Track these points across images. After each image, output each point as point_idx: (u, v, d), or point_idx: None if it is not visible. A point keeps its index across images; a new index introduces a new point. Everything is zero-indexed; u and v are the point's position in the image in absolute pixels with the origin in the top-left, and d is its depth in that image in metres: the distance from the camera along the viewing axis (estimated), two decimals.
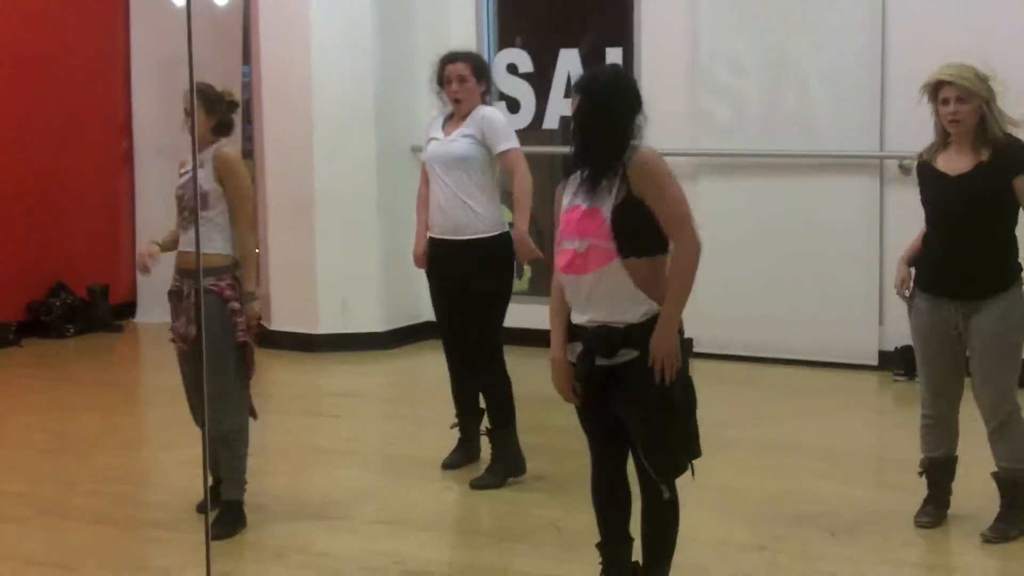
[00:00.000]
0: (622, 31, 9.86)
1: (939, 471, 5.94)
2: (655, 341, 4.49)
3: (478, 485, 6.63)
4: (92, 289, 11.18)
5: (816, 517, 6.00)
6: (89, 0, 11.31)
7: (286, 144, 10.12)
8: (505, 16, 10.39)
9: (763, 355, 9.26)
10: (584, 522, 5.97)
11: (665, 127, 9.43)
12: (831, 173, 9.22)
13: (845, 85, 9.08)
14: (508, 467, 6.73)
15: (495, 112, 6.87)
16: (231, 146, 6.20)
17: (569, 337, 4.71)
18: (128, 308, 11.61)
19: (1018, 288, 5.69)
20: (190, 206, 5.94)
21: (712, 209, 9.37)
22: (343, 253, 10.02)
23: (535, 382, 7.60)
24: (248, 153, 10.92)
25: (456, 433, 7.05)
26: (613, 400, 4.64)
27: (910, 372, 8.64)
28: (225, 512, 5.99)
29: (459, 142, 6.69)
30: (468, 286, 6.72)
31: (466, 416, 7.04)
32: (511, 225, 6.78)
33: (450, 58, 6.86)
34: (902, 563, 5.48)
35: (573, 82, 4.88)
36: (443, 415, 7.19)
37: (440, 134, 6.81)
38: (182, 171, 6.20)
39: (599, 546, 4.97)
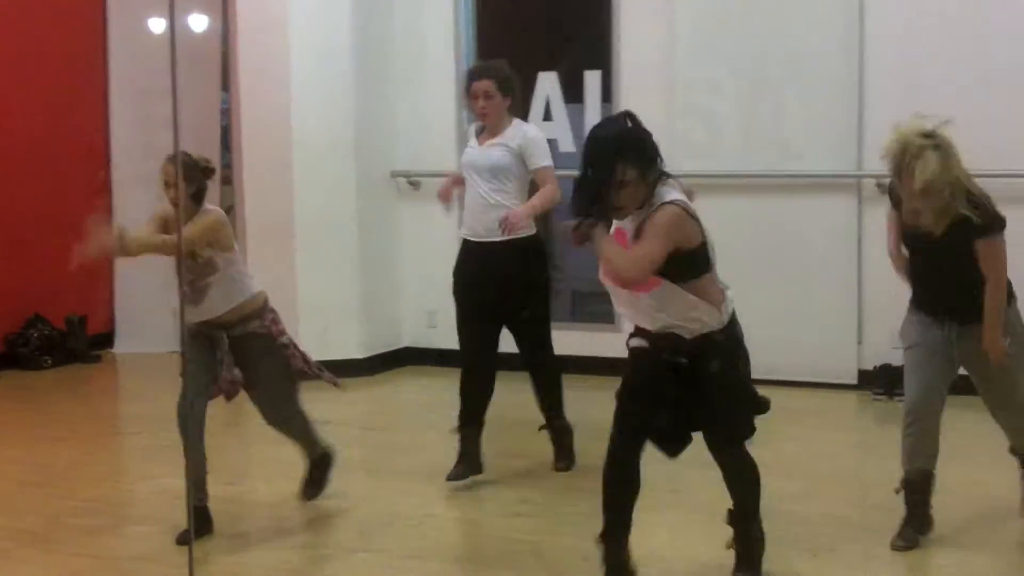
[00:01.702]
0: (601, 54, 9.88)
1: (918, 486, 5.92)
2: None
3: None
4: (70, 320, 11.13)
5: (797, 537, 5.98)
6: (66, 28, 11.27)
7: (265, 170, 10.10)
8: (484, 40, 10.39)
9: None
10: (567, 546, 5.99)
11: None
12: (809, 193, 9.24)
13: (822, 105, 9.11)
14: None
15: (536, 130, 7.23)
16: (209, 207, 6.30)
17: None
18: (106, 338, 11.56)
19: (1012, 307, 5.81)
20: (193, 273, 6.14)
21: None
22: (322, 279, 10.01)
23: (517, 407, 7.61)
24: (227, 179, 10.90)
25: (449, 447, 7.12)
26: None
27: (889, 391, 8.67)
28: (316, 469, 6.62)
29: (495, 151, 6.98)
30: (506, 283, 6.98)
31: (470, 428, 7.13)
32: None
33: (475, 74, 7.12)
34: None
35: (604, 149, 5.03)
36: (423, 440, 7.18)
37: (475, 143, 7.12)
38: None
39: (605, 535, 5.32)
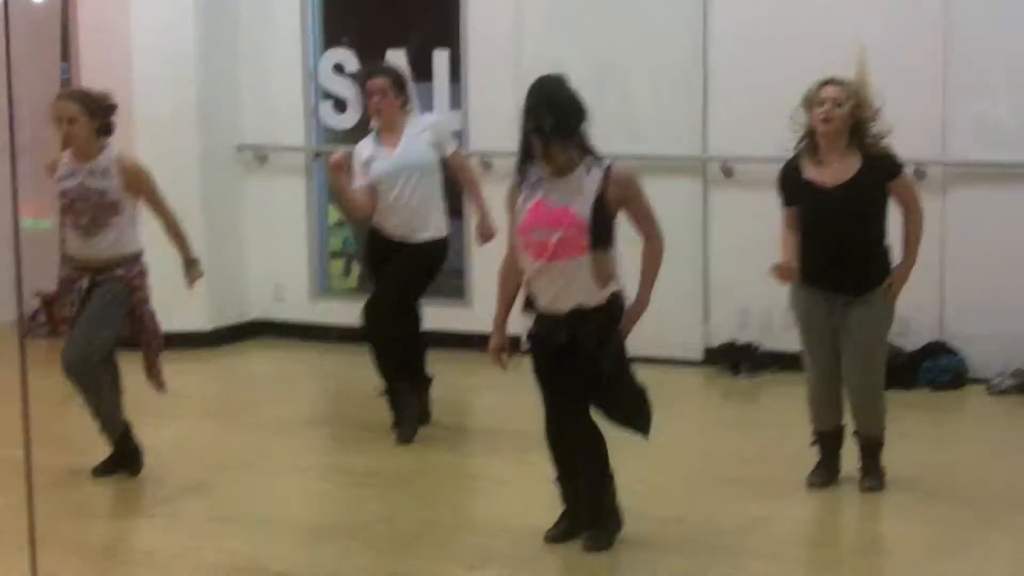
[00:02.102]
0: (449, 32, 9.87)
1: (829, 441, 6.36)
2: (631, 319, 5.47)
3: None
4: None
5: (647, 507, 6.06)
6: None
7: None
8: (331, 15, 10.31)
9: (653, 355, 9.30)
10: (417, 516, 6.01)
11: (491, 129, 9.54)
12: (655, 175, 9.22)
13: (668, 88, 9.21)
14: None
15: (436, 115, 7.68)
16: (123, 152, 6.60)
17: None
18: None
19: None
20: (90, 209, 6.37)
21: None
22: (167, 254, 9.83)
23: (366, 379, 7.59)
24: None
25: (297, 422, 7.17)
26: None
27: (734, 368, 8.83)
28: (121, 450, 6.57)
29: (414, 152, 7.22)
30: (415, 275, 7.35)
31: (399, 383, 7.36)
32: None
33: (369, 72, 7.43)
34: (725, 549, 5.58)
35: (528, 92, 5.42)
36: (270, 413, 7.14)
37: (376, 149, 7.27)
38: (58, 174, 6.48)
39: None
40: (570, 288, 5.33)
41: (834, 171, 6.06)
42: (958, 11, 8.52)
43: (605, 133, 9.23)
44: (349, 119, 10.11)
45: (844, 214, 6.02)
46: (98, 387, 6.43)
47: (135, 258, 6.55)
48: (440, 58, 9.88)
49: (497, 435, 7.38)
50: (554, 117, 5.30)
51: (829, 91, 6.03)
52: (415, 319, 7.46)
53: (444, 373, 7.71)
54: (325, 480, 6.82)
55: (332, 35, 10.33)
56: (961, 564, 5.50)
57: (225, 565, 5.42)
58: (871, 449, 6.28)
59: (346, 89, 10.13)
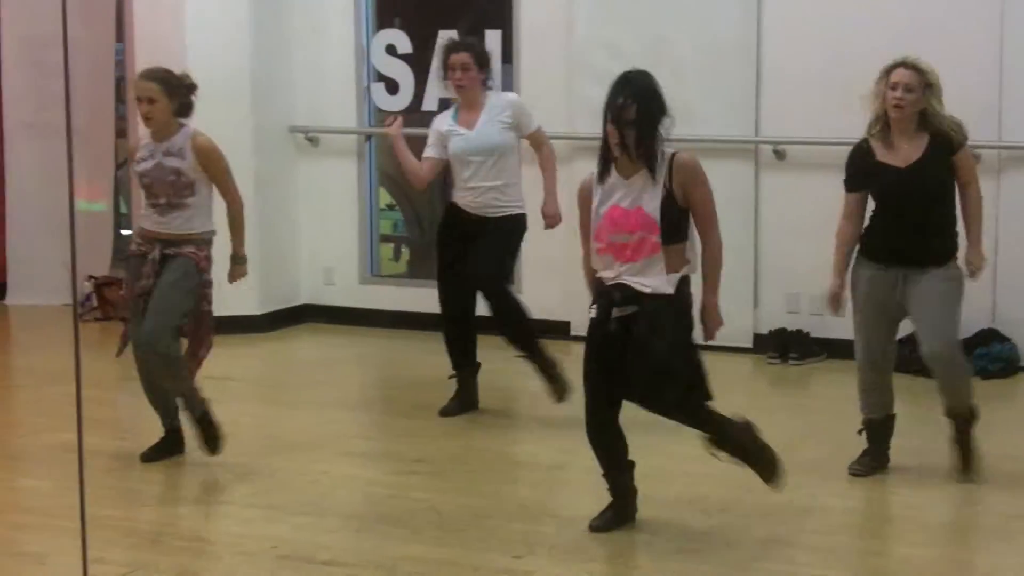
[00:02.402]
0: (501, 13, 9.86)
1: (878, 430, 6.34)
2: (709, 329, 5.54)
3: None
4: None
5: (692, 498, 6.04)
6: None
7: None
8: None
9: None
10: (463, 504, 6.01)
11: (542, 110, 9.45)
12: (706, 158, 8.95)
13: (721, 71, 9.15)
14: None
15: (514, 95, 7.68)
16: (199, 131, 6.58)
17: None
18: None
19: (955, 261, 6.18)
20: (166, 189, 6.42)
21: None
22: (219, 233, 9.89)
23: (415, 364, 7.63)
24: (122, 132, 10.77)
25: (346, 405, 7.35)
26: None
27: (783, 355, 8.78)
28: (203, 430, 6.53)
29: (494, 132, 7.27)
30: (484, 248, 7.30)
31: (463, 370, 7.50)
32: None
33: (453, 47, 7.36)
34: (772, 539, 5.55)
35: (613, 84, 5.41)
36: (318, 398, 7.16)
37: (455, 126, 7.31)
38: (138, 156, 6.56)
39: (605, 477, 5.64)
40: (644, 279, 5.35)
41: (905, 152, 6.11)
42: None
43: None
44: (401, 100, 10.12)
45: (917, 193, 6.06)
46: (176, 363, 6.48)
47: (206, 240, 6.58)
48: (492, 38, 9.85)
49: (543, 422, 7.37)
50: (637, 108, 5.29)
51: (901, 75, 6.04)
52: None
53: (491, 360, 7.71)
54: (372, 467, 6.84)
55: (384, 16, 10.34)
56: (1016, 554, 5.46)
57: (271, 553, 5.44)
58: (963, 427, 6.24)
59: (398, 70, 10.13)
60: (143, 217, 6.61)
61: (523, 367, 7.48)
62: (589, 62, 9.45)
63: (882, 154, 6.15)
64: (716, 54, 9.16)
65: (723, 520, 5.81)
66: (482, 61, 7.33)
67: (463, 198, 7.35)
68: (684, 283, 5.41)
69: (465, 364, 7.51)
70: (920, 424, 6.72)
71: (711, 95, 9.19)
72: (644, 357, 5.26)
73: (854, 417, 6.42)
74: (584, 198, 5.54)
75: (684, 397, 5.38)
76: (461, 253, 7.31)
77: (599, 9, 9.44)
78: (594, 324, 5.45)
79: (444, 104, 10.08)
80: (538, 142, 7.49)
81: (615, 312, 5.35)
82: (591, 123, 9.34)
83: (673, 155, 5.39)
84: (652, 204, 5.32)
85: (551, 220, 7.42)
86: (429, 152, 7.38)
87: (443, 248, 7.51)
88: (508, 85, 9.74)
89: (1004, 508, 5.98)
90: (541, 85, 9.57)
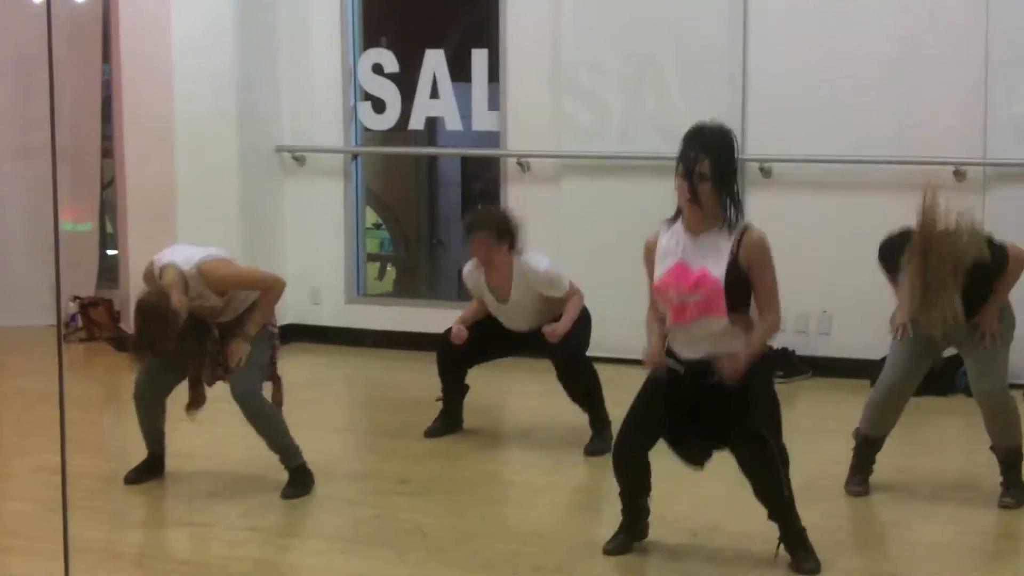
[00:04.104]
0: (487, 32, 9.87)
1: (871, 448, 6.40)
2: (736, 366, 5.21)
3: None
4: None
5: (678, 520, 6.03)
6: None
7: (147, 143, 9.94)
8: (370, 15, 10.33)
9: (630, 356, 9.25)
10: (448, 525, 5.99)
11: (529, 129, 9.55)
12: None
13: (705, 90, 9.15)
14: None
15: (541, 264, 7.25)
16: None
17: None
18: None
19: (1009, 306, 6.23)
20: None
21: (575, 210, 9.45)
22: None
23: (401, 384, 7.61)
24: (107, 152, 10.76)
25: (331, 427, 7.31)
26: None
27: (789, 373, 8.77)
28: (295, 477, 6.49)
29: (526, 302, 7.25)
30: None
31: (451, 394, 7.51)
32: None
33: (469, 227, 7.29)
34: (764, 560, 5.54)
35: (686, 135, 5.39)
36: (304, 418, 7.12)
37: (490, 292, 7.31)
38: None
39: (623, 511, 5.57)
40: (708, 342, 5.28)
41: None
42: (999, 10, 8.44)
43: (641, 134, 9.37)
44: (388, 120, 10.12)
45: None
46: (274, 426, 6.52)
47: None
48: (478, 58, 9.88)
49: (529, 442, 7.36)
50: (709, 161, 5.24)
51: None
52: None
53: (475, 379, 7.70)
54: (357, 487, 6.80)
55: (371, 35, 10.34)
56: (1016, 573, 5.46)
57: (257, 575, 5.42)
58: (1011, 460, 6.27)
59: (385, 89, 10.14)
60: None
61: (509, 387, 7.47)
62: (575, 81, 9.47)
63: None
64: (702, 73, 9.17)
65: (711, 539, 5.79)
66: (502, 232, 7.21)
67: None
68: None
69: (455, 390, 7.51)
70: (904, 443, 6.72)
71: (697, 113, 9.07)
72: (746, 427, 5.30)
73: (841, 435, 6.42)
74: (649, 254, 5.45)
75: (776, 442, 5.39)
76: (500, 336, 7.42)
77: (586, 28, 9.45)
78: (670, 379, 5.39)
79: (431, 123, 10.15)
80: (569, 295, 7.32)
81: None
82: (578, 142, 9.45)
83: (746, 227, 5.29)
84: (719, 268, 5.22)
85: (551, 333, 7.17)
86: (473, 307, 7.49)
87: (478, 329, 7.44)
88: (495, 104, 9.75)
89: (1002, 525, 6.00)
90: (528, 104, 9.59)
